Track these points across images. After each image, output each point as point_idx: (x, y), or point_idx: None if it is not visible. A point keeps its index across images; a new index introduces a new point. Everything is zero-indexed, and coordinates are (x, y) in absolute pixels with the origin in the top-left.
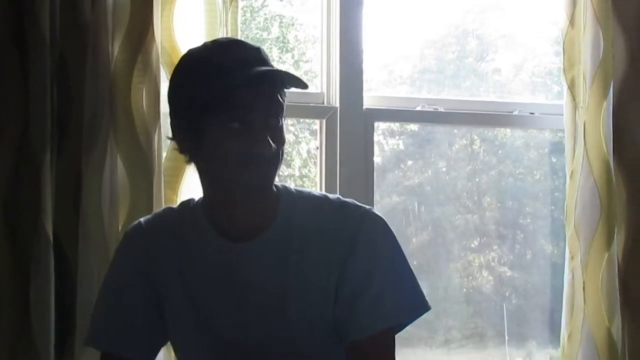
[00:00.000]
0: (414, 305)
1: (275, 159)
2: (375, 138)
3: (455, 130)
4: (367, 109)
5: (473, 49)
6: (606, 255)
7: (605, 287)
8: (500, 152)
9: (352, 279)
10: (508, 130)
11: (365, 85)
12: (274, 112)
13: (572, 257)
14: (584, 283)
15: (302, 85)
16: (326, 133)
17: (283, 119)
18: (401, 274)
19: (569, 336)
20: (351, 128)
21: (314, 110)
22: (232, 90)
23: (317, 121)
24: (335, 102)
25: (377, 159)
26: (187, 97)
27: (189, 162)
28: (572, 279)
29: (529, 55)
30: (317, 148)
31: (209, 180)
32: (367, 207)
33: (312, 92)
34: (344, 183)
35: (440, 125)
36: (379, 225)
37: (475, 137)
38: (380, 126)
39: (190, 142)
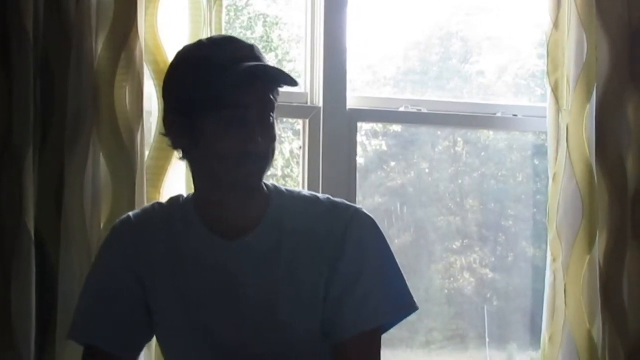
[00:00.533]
0: (402, 305)
1: (267, 156)
2: (359, 139)
3: (439, 132)
4: (350, 109)
5: (457, 51)
6: (587, 258)
7: (586, 290)
8: (483, 154)
9: (340, 278)
10: (491, 132)
11: (348, 86)
12: (267, 109)
13: (553, 259)
14: (565, 285)
15: (293, 82)
16: (309, 133)
17: (275, 117)
18: (389, 273)
19: (550, 338)
20: (334, 128)
21: (297, 109)
22: (225, 87)
23: (300, 121)
24: (319, 101)
25: (360, 160)
26: (181, 94)
27: (182, 158)
28: (553, 281)
29: (513, 57)
30: (300, 148)
31: (202, 177)
32: (357, 206)
33: (296, 91)
34: (327, 183)
35: (423, 127)
36: (369, 225)
37: (458, 139)
38: (363, 127)
39: (184, 138)
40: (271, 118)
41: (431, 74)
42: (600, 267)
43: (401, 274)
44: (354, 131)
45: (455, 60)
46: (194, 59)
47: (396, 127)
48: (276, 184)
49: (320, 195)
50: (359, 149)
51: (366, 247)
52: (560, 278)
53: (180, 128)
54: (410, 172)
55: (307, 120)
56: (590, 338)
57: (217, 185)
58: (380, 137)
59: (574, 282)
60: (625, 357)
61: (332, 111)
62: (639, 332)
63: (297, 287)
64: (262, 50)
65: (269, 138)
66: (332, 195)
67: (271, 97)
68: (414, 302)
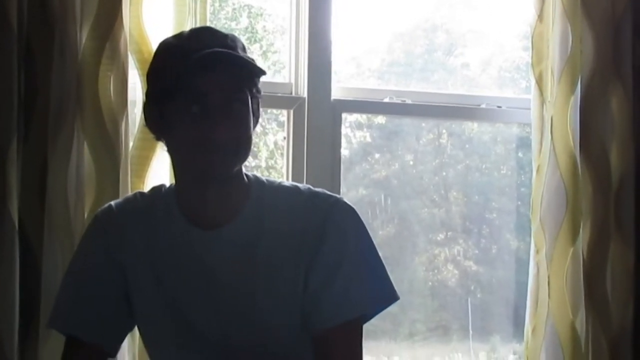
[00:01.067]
0: (382, 295)
1: (234, 145)
2: (343, 131)
3: (423, 124)
4: (334, 99)
5: (442, 43)
6: (571, 250)
7: (570, 281)
8: (467, 146)
9: (321, 268)
10: (475, 124)
11: (333, 77)
12: (235, 97)
13: (537, 251)
14: (548, 277)
15: (255, 69)
16: (294, 124)
17: (251, 106)
18: (370, 263)
19: (533, 330)
20: (319, 119)
21: (281, 100)
22: (183, 74)
23: (285, 112)
24: (303, 92)
25: (344, 152)
26: (153, 83)
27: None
28: (537, 273)
29: (498, 50)
30: (285, 139)
31: (177, 167)
32: (338, 196)
33: (280, 82)
34: (311, 174)
35: (408, 119)
36: (349, 215)
37: (443, 131)
38: (347, 119)
39: (157, 128)
40: (239, 107)
41: (416, 67)
42: (583, 259)
43: (382, 264)
44: (338, 122)
45: (440, 52)
46: (167, 48)
47: (381, 119)
48: (257, 174)
49: (300, 185)
50: (343, 141)
51: (347, 237)
52: (543, 270)
53: (152, 117)
54: (394, 164)
55: (291, 111)
56: (573, 330)
57: (190, 175)
58: (364, 129)
59: (557, 274)
60: (608, 348)
61: (317, 102)
62: (622, 324)
63: (276, 278)
64: (245, 42)
65: (235, 127)
66: (316, 187)
67: (239, 85)
68: (396, 292)
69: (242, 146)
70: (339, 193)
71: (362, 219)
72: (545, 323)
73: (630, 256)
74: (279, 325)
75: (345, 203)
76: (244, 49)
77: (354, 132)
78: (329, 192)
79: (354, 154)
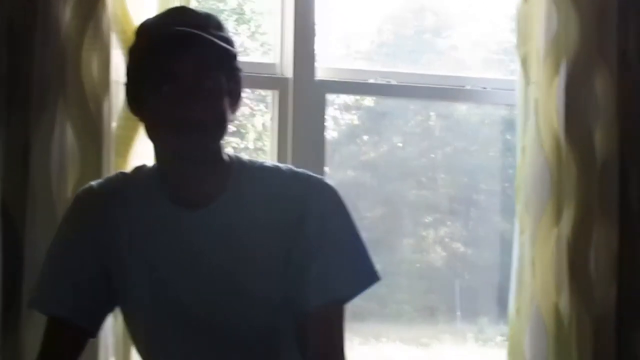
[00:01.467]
0: (363, 276)
1: (205, 125)
2: (331, 112)
3: (412, 106)
4: (319, 80)
5: (430, 25)
6: (555, 231)
7: (554, 263)
8: (455, 128)
9: (302, 249)
10: (464, 107)
11: (320, 59)
12: (205, 77)
13: (521, 233)
14: (532, 259)
15: (222, 49)
16: (279, 105)
17: (228, 85)
18: (351, 244)
19: (517, 311)
20: (303, 99)
21: (267, 81)
22: (156, 54)
23: (270, 92)
24: (289, 73)
25: (332, 134)
26: (129, 63)
27: None
28: (521, 254)
29: (487, 31)
30: (272, 120)
31: (155, 147)
32: (319, 176)
33: (266, 62)
34: (296, 155)
35: (395, 101)
36: (330, 195)
37: (431, 113)
38: (336, 100)
39: (134, 107)
40: (211, 86)
41: (405, 48)
42: (567, 240)
43: (364, 245)
44: (322, 103)
45: (429, 34)
46: (143, 28)
47: (369, 102)
48: (239, 155)
49: (282, 165)
50: (331, 123)
51: (328, 218)
52: (528, 251)
53: (129, 97)
54: (382, 146)
55: (276, 92)
56: (557, 311)
57: (168, 156)
58: (353, 111)
59: (541, 255)
60: (592, 329)
61: (301, 83)
62: (605, 305)
63: (258, 258)
64: (233, 23)
65: (205, 107)
66: (300, 168)
67: (209, 65)
68: (376, 273)
69: (215, 125)
70: (323, 174)
71: (350, 200)
72: (530, 304)
73: (614, 237)
74: (260, 304)
75: (327, 183)
76: (219, 28)
77: (342, 114)
78: (310, 173)
79: (342, 135)
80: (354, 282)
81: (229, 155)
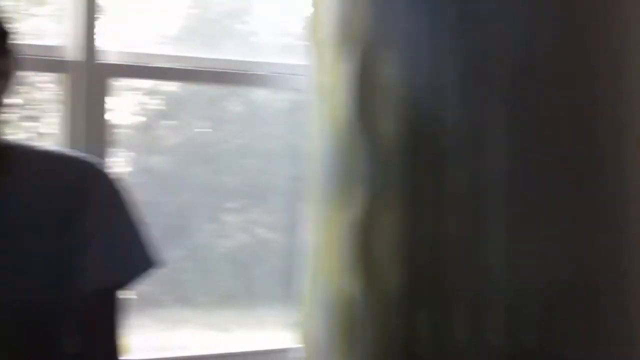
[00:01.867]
0: (139, 262)
1: None
2: (135, 98)
3: (216, 92)
4: (101, 63)
5: (231, 10)
6: (344, 216)
7: (342, 247)
8: (256, 113)
9: (76, 235)
10: (265, 92)
11: (122, 44)
12: None
13: (311, 218)
14: (321, 243)
15: None
16: (65, 88)
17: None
18: (129, 229)
19: (308, 295)
20: (86, 83)
21: (52, 64)
22: None
23: (56, 75)
24: (74, 56)
25: (136, 118)
26: None
27: None
28: (310, 239)
29: (285, 17)
30: (59, 103)
31: None
32: (96, 160)
33: (50, 45)
34: (80, 139)
35: (196, 85)
36: (107, 180)
37: (233, 99)
38: (139, 86)
39: None
40: None
41: (208, 33)
42: (357, 224)
43: (139, 229)
44: (103, 86)
45: (230, 19)
46: None
47: (172, 87)
48: (17, 139)
49: (57, 149)
50: (134, 108)
51: (104, 202)
52: (317, 236)
53: None
54: (184, 132)
55: (62, 75)
56: (346, 294)
57: None
58: (155, 96)
59: (330, 239)
60: (380, 311)
61: (84, 66)
62: (394, 288)
63: (31, 244)
64: (34, 4)
65: None
66: (83, 152)
67: None
68: (153, 259)
69: None
70: (104, 158)
71: (152, 188)
72: (320, 289)
73: (402, 221)
74: (35, 290)
75: (103, 168)
76: None
77: (144, 99)
78: (87, 157)
79: (144, 121)
80: (128, 268)
81: (3, 140)
